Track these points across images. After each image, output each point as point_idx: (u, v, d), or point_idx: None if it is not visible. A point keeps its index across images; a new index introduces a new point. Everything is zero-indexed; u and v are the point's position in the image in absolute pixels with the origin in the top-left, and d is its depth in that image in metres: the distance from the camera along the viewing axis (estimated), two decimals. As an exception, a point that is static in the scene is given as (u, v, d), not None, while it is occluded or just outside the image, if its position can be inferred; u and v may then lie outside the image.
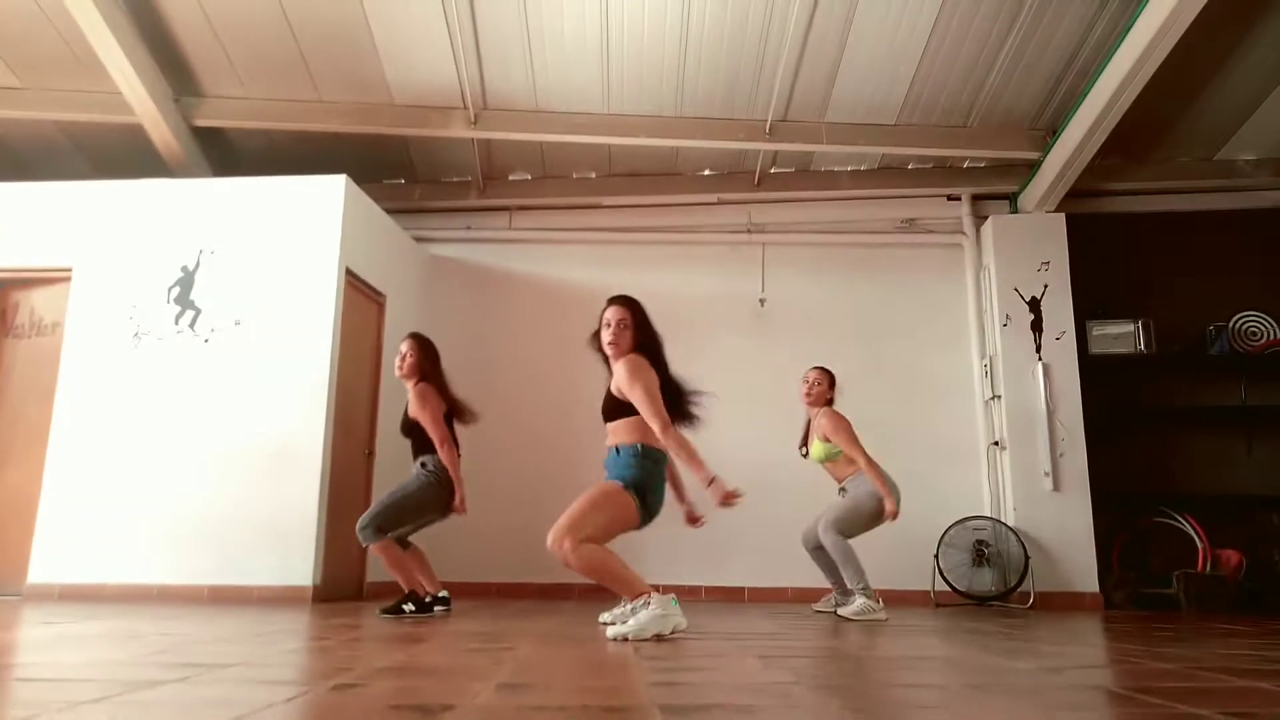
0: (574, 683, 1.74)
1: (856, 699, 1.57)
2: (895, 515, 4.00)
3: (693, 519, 3.22)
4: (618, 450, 2.90)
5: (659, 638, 2.70)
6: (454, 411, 3.84)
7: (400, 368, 3.80)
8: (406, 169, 6.36)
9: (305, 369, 4.89)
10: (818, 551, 4.31)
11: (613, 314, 2.99)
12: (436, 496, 3.67)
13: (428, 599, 3.72)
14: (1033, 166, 6.01)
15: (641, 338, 2.97)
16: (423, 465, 3.71)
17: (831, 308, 6.22)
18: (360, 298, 5.44)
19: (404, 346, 3.83)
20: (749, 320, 6.17)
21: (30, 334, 5.25)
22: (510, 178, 6.45)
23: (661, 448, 2.91)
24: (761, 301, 6.18)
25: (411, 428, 3.78)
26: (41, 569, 4.73)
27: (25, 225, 5.30)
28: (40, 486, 4.86)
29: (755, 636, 2.93)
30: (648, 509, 2.88)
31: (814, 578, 5.63)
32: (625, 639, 2.68)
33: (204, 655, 2.14)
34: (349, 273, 5.22)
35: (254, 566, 4.58)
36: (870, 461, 4.09)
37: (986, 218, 6.17)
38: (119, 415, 4.93)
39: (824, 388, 4.26)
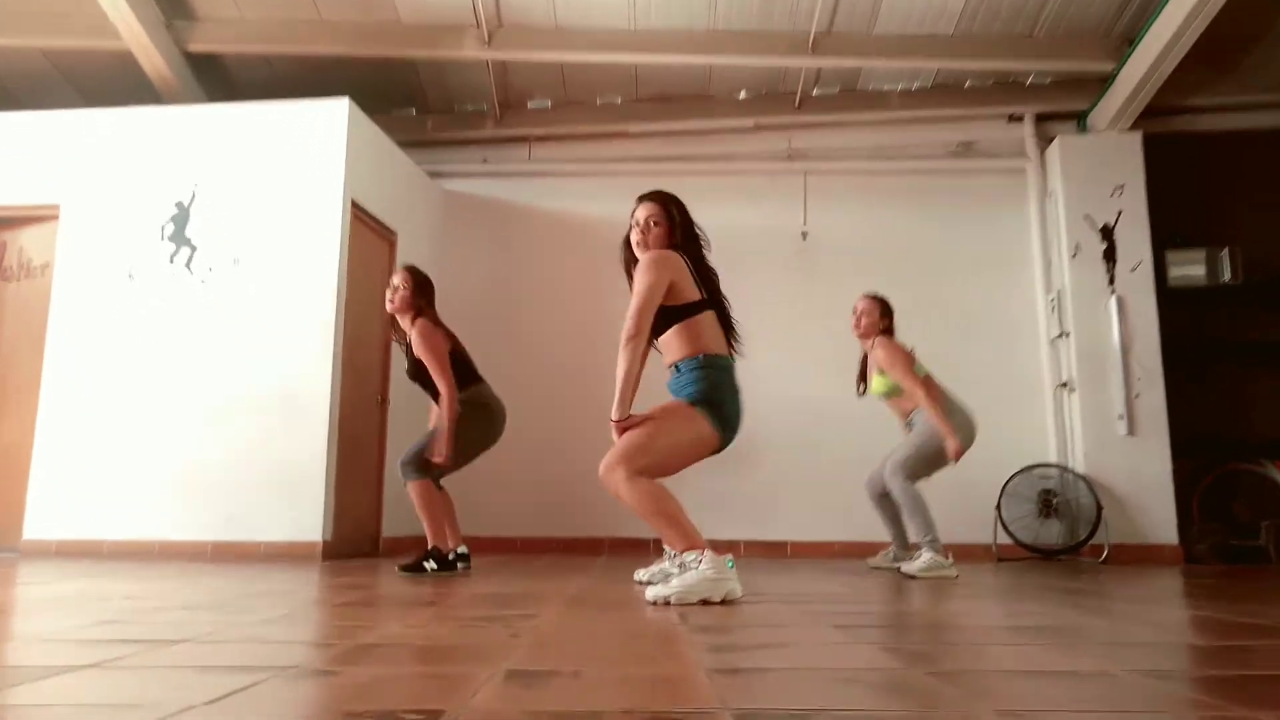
0: (609, 669, 1.30)
1: (998, 696, 1.11)
2: (958, 457, 3.50)
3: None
4: (677, 368, 2.50)
5: (705, 603, 2.26)
6: (457, 351, 3.45)
7: (392, 301, 3.42)
8: (417, 98, 5.89)
9: (310, 310, 4.51)
10: (883, 499, 3.87)
11: (643, 211, 2.59)
12: (479, 429, 3.34)
13: (451, 555, 3.33)
14: (1105, 80, 5.36)
15: (677, 238, 2.55)
16: (462, 403, 3.35)
17: (880, 241, 5.69)
18: (369, 234, 5.03)
19: (396, 279, 3.46)
20: (790, 256, 5.68)
21: (19, 276, 4.90)
22: (529, 105, 5.94)
23: (725, 354, 2.53)
24: (804, 235, 5.67)
25: (419, 370, 3.42)
26: (37, 524, 4.44)
27: (10, 160, 4.90)
28: (33, 437, 4.55)
29: (817, 599, 2.49)
30: (726, 424, 2.47)
31: (862, 531, 5.24)
32: (667, 602, 2.24)
33: (156, 627, 1.73)
34: (355, 206, 4.80)
35: (260, 521, 4.26)
36: (931, 397, 3.58)
37: (1053, 139, 5.57)
38: (113, 361, 4.59)
39: (875, 316, 3.79)
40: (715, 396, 2.45)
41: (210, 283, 4.61)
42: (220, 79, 5.52)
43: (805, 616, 2.03)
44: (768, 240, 5.65)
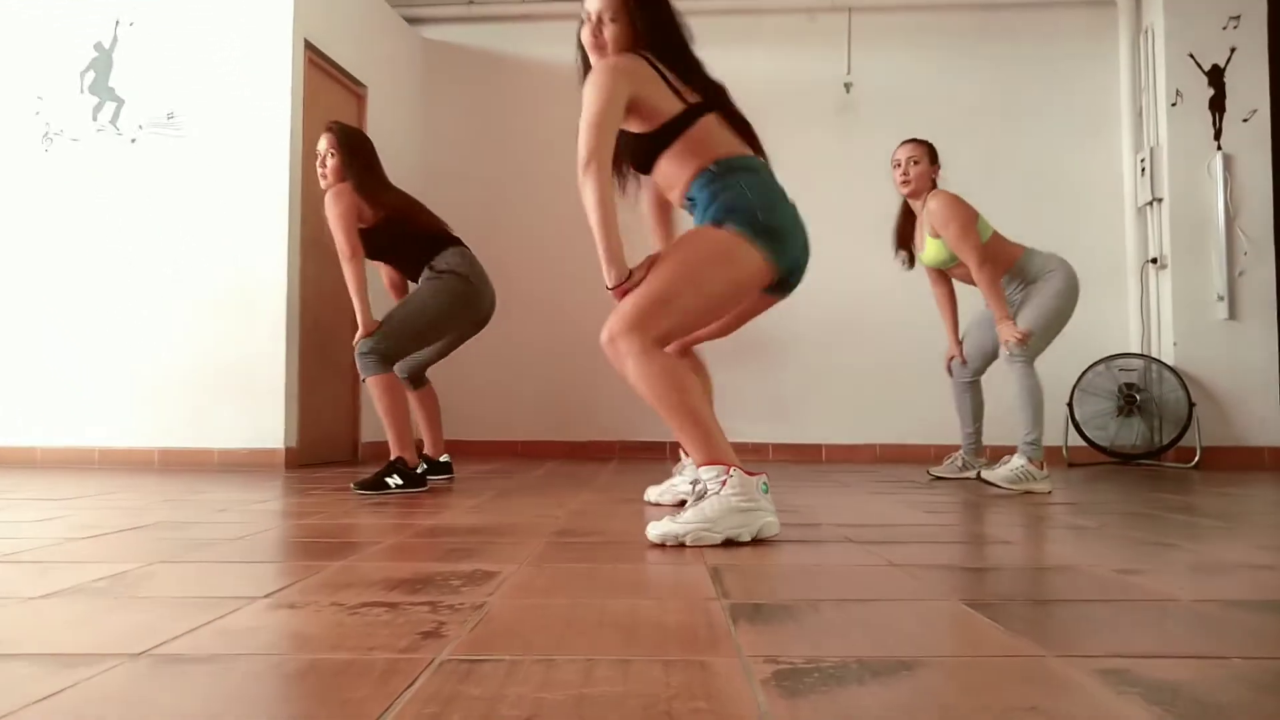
0: (595, 670, 0.66)
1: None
2: (1023, 340, 2.81)
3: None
4: (690, 200, 1.85)
5: (731, 543, 1.62)
6: (408, 214, 2.85)
7: (323, 175, 2.82)
8: None
9: (260, 175, 3.83)
10: (970, 386, 3.24)
11: (594, 3, 1.86)
12: (458, 305, 2.80)
13: (420, 468, 2.73)
14: (1229, -121, 4.31)
15: (643, 36, 1.83)
16: (430, 269, 2.83)
17: (937, 92, 4.80)
18: (332, 86, 4.27)
19: (322, 144, 2.84)
20: (831, 111, 4.84)
21: (-82, 138, 4.16)
22: None
23: (747, 154, 1.86)
24: (847, 86, 4.82)
25: (372, 244, 2.84)
26: (-39, 429, 3.89)
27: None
28: (-51, 329, 3.95)
29: (898, 533, 1.84)
30: (777, 240, 1.80)
31: (905, 433, 4.64)
32: (680, 544, 1.61)
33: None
34: (311, 48, 4.02)
35: (213, 426, 3.73)
36: (992, 274, 2.86)
37: None
38: (34, 241, 3.93)
39: (925, 165, 3.07)
40: (753, 204, 1.77)
41: (141, 142, 3.90)
42: None
43: (875, 559, 1.39)
44: (804, 93, 4.81)
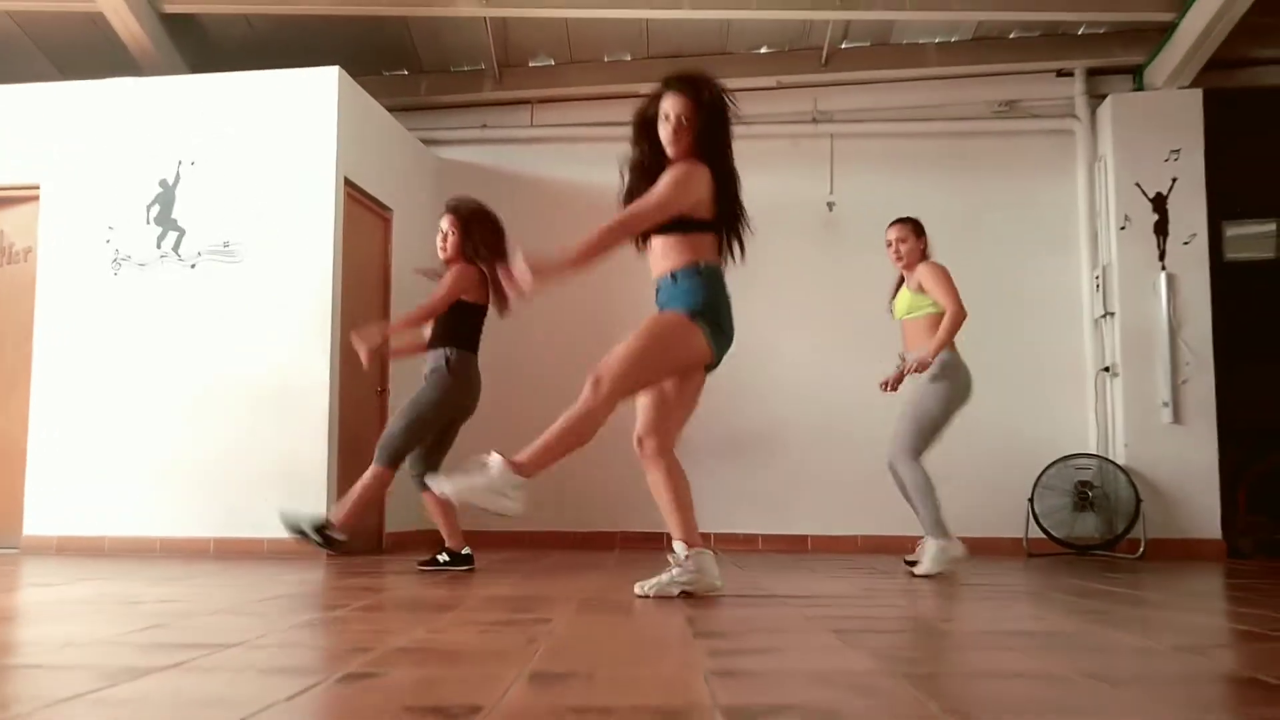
0: (619, 670, 1.70)
1: (953, 697, 1.49)
2: (921, 368, 3.72)
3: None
4: (673, 277, 2.72)
5: (687, 595, 2.71)
6: (478, 311, 3.83)
7: (444, 249, 3.78)
8: (410, 58, 6.18)
9: (305, 295, 4.90)
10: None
11: (674, 106, 2.66)
12: (452, 395, 3.70)
13: (442, 557, 3.81)
14: (1166, 31, 5.56)
15: (705, 148, 2.69)
16: (445, 360, 3.71)
17: (913, 211, 5.70)
18: (363, 212, 5.38)
19: (445, 223, 3.79)
20: (815, 227, 5.96)
21: (2, 261, 5.29)
22: (530, 64, 6.24)
23: (717, 262, 2.75)
24: (830, 205, 5.95)
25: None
26: (37, 520, 4.91)
27: (-15, 137, 5.28)
28: (27, 429, 5.00)
29: (827, 601, 2.89)
30: (723, 337, 2.73)
31: (884, 524, 5.61)
32: (653, 594, 2.71)
33: (202, 631, 2.15)
34: (349, 183, 5.15)
35: (263, 518, 4.56)
36: (957, 316, 3.77)
37: (1104, 97, 5.84)
38: (104, 351, 5.00)
39: (912, 241, 4.00)
40: (715, 307, 2.69)
41: (200, 267, 5.00)
42: (198, 42, 5.85)
43: (807, 621, 2.42)
44: (790, 211, 5.86)
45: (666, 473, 2.72)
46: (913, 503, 3.81)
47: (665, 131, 2.67)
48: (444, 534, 3.80)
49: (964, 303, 3.84)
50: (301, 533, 3.60)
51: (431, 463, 3.81)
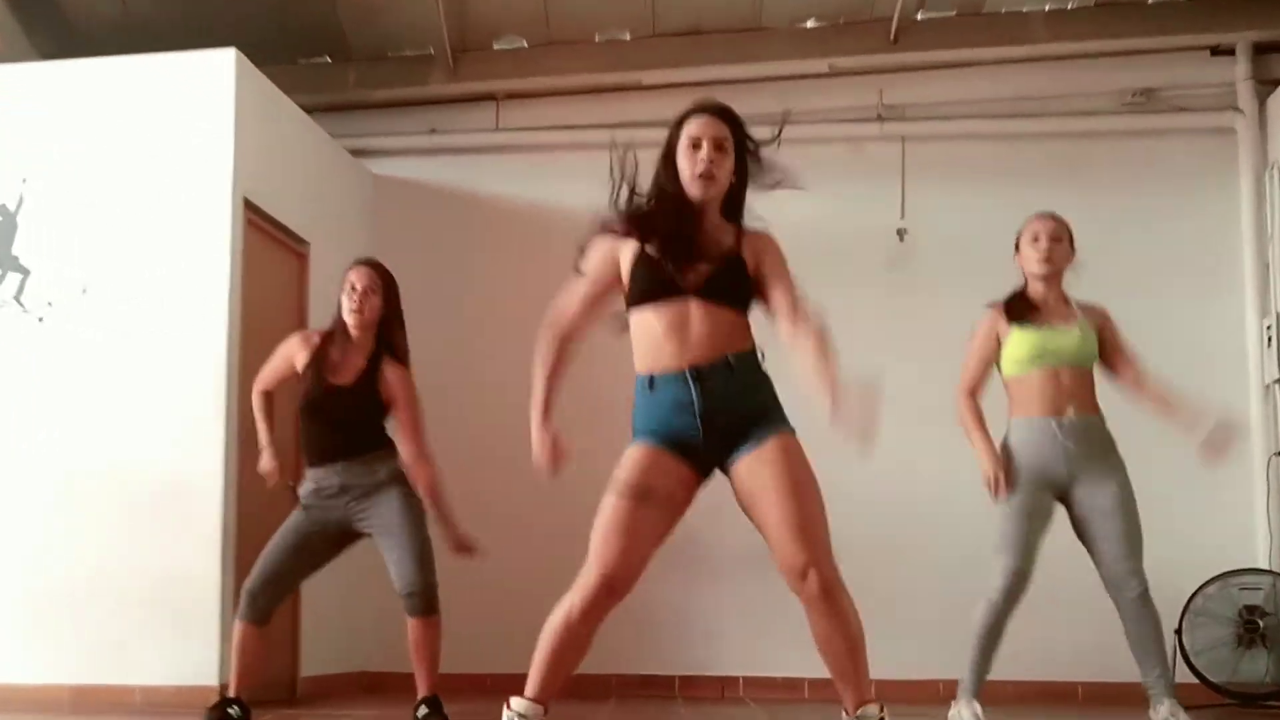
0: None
1: None
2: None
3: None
4: (731, 363, 2.36)
5: None
6: None
7: (359, 312, 3.48)
8: (334, 41, 5.69)
9: (192, 358, 4.37)
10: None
11: (714, 129, 2.40)
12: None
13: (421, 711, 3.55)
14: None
15: (738, 174, 2.50)
16: (401, 469, 3.56)
17: (1010, 241, 5.12)
18: (270, 245, 4.89)
19: (361, 280, 3.51)
20: (881, 262, 5.34)
21: None
22: (495, 46, 5.75)
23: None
24: (900, 234, 5.32)
25: (358, 410, 3.50)
26: None
27: None
28: None
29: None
30: None
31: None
32: None
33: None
34: (250, 207, 4.62)
35: (134, 659, 4.19)
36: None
37: (1277, 83, 5.24)
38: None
39: (1066, 247, 3.74)
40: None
41: (50, 320, 4.47)
42: (52, 23, 5.44)
43: None
44: (846, 243, 5.29)
45: (851, 609, 2.27)
46: (1150, 648, 3.45)
47: (702, 165, 2.42)
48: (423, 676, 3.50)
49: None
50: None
51: (282, 592, 3.66)
